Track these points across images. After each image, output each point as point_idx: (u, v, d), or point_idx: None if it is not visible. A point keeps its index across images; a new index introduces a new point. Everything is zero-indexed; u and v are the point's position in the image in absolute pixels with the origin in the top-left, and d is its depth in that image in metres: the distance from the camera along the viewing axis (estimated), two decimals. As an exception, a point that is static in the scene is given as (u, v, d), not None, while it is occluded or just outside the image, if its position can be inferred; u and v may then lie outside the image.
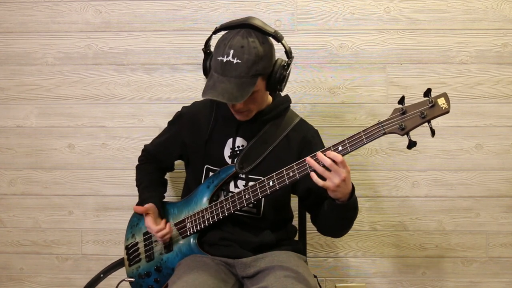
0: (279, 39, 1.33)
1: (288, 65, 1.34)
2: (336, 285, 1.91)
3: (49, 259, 1.96)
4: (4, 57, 1.90)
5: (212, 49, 1.36)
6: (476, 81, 1.84)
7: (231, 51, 1.25)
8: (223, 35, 1.32)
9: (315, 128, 1.51)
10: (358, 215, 1.86)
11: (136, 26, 1.87)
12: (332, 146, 1.24)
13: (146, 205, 1.47)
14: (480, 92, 1.84)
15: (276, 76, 1.32)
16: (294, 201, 1.63)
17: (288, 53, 1.35)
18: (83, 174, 1.92)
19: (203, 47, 1.38)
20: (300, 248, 1.52)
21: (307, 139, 1.45)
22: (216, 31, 1.35)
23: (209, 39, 1.37)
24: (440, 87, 1.83)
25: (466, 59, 1.84)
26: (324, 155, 1.21)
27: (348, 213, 1.32)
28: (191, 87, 1.86)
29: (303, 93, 1.86)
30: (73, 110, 1.90)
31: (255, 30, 1.30)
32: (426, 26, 1.83)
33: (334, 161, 1.19)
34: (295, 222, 1.62)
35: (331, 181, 1.20)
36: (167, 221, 1.48)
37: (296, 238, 1.61)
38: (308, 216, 1.61)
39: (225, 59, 1.25)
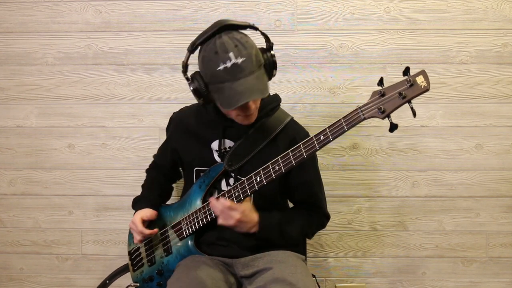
0: (257, 28, 1.30)
1: (271, 48, 1.32)
2: (336, 285, 1.91)
3: (49, 259, 1.96)
4: (4, 57, 1.90)
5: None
6: (476, 81, 1.84)
7: (230, 54, 1.20)
8: (203, 50, 1.26)
9: (306, 130, 1.48)
10: (358, 214, 1.88)
11: (136, 26, 1.87)
12: (314, 136, 1.23)
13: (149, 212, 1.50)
14: (480, 92, 1.84)
15: (270, 62, 1.31)
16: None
17: (267, 37, 1.32)
18: (83, 174, 1.92)
19: (183, 72, 1.31)
20: (299, 247, 1.52)
21: (296, 142, 1.39)
22: (193, 49, 1.27)
23: (188, 59, 1.30)
24: (440, 87, 1.83)
25: (466, 59, 1.84)
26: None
27: (271, 240, 1.39)
28: (191, 87, 1.86)
29: (303, 93, 1.86)
30: (73, 110, 1.90)
31: (230, 30, 1.26)
32: (426, 26, 1.83)
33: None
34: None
35: (227, 222, 1.30)
36: (162, 229, 1.50)
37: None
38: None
39: (229, 64, 1.20)
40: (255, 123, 1.42)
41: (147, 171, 1.66)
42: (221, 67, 1.21)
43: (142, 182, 1.64)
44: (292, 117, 1.48)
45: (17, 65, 1.90)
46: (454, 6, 1.82)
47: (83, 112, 1.90)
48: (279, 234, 1.39)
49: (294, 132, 1.44)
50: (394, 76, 1.81)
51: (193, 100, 1.58)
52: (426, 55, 1.84)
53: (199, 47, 1.28)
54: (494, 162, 1.86)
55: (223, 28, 1.24)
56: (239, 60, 1.20)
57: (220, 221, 1.31)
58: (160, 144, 1.65)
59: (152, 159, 1.67)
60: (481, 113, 1.85)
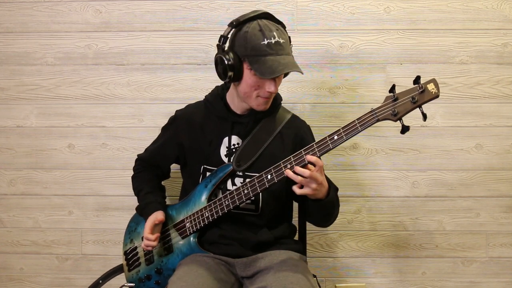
0: (285, 27, 1.42)
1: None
2: (336, 285, 1.91)
3: (49, 259, 1.96)
4: (4, 57, 1.90)
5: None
6: (476, 81, 1.84)
7: (274, 33, 1.31)
8: (246, 27, 1.34)
9: (308, 124, 1.57)
10: (358, 214, 1.88)
11: (136, 26, 1.87)
12: (328, 136, 1.26)
13: (161, 215, 1.46)
14: (480, 92, 1.84)
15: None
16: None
17: (290, 38, 1.41)
18: (83, 174, 1.92)
19: (219, 43, 1.38)
20: (300, 247, 1.52)
21: (299, 136, 1.49)
22: (237, 24, 1.36)
23: (228, 33, 1.38)
24: (440, 87, 1.81)
25: (466, 59, 1.84)
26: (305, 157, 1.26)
27: (327, 210, 1.39)
28: (191, 87, 1.86)
29: (303, 93, 1.86)
30: (73, 110, 1.90)
31: (269, 20, 1.37)
32: (426, 26, 1.83)
33: (314, 164, 1.24)
34: (295, 221, 1.62)
35: (309, 188, 1.26)
36: (163, 229, 1.49)
37: (296, 237, 1.61)
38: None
39: (273, 41, 1.31)
40: (259, 122, 1.46)
41: (137, 175, 1.62)
42: (265, 41, 1.31)
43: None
44: (293, 114, 1.54)
45: (17, 65, 1.90)
46: (454, 6, 1.82)
47: (83, 112, 1.90)
48: (332, 208, 1.40)
49: (297, 126, 1.52)
50: (394, 76, 1.83)
51: (192, 100, 1.59)
52: (426, 55, 1.84)
53: (239, 26, 1.36)
54: (494, 162, 1.86)
55: (263, 14, 1.37)
56: (281, 40, 1.33)
57: (304, 190, 1.25)
58: (151, 145, 1.61)
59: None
60: (481, 113, 1.85)
